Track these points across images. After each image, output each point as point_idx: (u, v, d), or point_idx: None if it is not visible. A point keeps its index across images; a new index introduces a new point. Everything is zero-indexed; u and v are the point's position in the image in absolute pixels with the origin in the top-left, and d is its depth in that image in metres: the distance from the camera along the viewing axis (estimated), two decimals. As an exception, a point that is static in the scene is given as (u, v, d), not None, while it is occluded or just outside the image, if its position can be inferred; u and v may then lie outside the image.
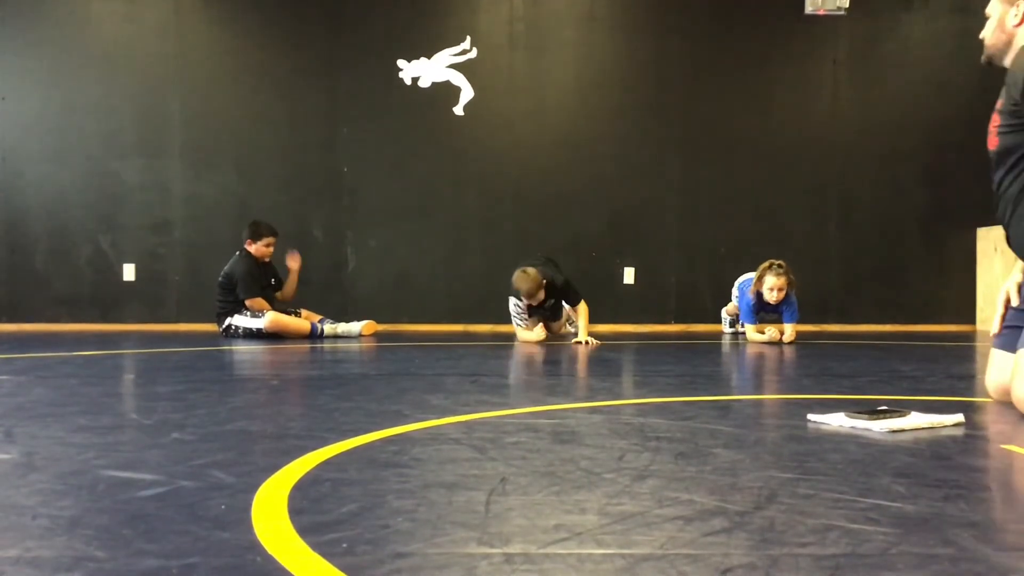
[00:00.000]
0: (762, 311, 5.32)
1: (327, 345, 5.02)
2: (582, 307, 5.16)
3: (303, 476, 1.59)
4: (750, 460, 1.74)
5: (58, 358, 4.07)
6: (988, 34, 2.62)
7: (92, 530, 1.26)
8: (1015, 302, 2.60)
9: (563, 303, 5.37)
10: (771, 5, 6.85)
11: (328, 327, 5.69)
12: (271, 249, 5.85)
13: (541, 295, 5.10)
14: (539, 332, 5.16)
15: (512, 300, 5.18)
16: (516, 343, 5.11)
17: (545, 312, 5.33)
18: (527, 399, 2.77)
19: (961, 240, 6.86)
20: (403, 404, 2.52)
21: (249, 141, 6.77)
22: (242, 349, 4.70)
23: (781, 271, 5.17)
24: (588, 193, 6.81)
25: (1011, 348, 2.51)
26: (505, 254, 6.75)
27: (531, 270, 5.07)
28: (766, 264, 5.24)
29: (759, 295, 5.23)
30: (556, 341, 5.23)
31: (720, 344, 5.20)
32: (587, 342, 4.92)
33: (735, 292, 5.70)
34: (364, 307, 6.55)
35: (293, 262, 5.99)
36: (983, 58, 2.68)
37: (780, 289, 5.15)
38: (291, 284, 6.01)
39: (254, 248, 5.79)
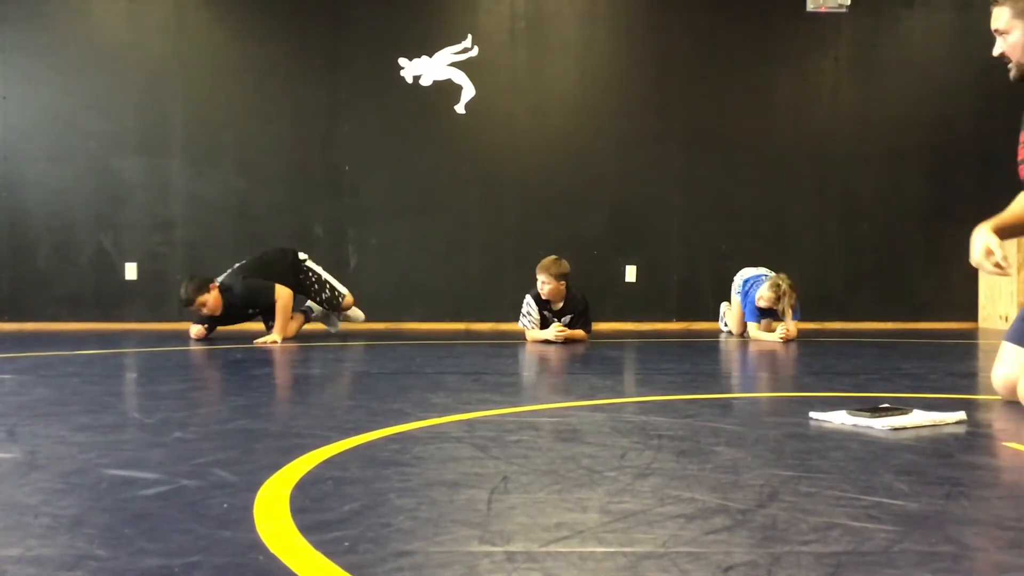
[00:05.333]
0: (765, 316, 5.33)
1: (328, 344, 5.02)
2: (580, 332, 5.08)
3: (305, 475, 1.59)
4: (752, 458, 1.74)
5: (60, 357, 4.07)
6: (1014, 52, 2.51)
7: (94, 529, 1.26)
8: None
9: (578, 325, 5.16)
10: (773, 3, 6.84)
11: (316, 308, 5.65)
12: (202, 312, 5.13)
13: (562, 288, 5.02)
14: (556, 329, 4.93)
15: (527, 300, 5.11)
16: (523, 342, 5.09)
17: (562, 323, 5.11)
18: (529, 397, 2.77)
19: (963, 238, 6.72)
20: (405, 403, 2.53)
21: (250, 139, 6.77)
22: (243, 348, 4.70)
23: (777, 289, 5.13)
24: (589, 191, 6.80)
25: (1022, 342, 2.50)
26: (506, 252, 6.75)
27: (562, 262, 5.05)
28: (772, 281, 5.17)
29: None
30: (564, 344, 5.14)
31: (721, 342, 5.20)
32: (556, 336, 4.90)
33: (736, 287, 5.69)
34: (365, 305, 6.53)
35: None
36: (1013, 76, 2.56)
37: (768, 301, 5.17)
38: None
39: None
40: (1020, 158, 2.63)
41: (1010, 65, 2.56)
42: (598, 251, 6.79)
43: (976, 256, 2.48)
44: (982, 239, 2.47)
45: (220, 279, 5.24)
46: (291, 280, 5.32)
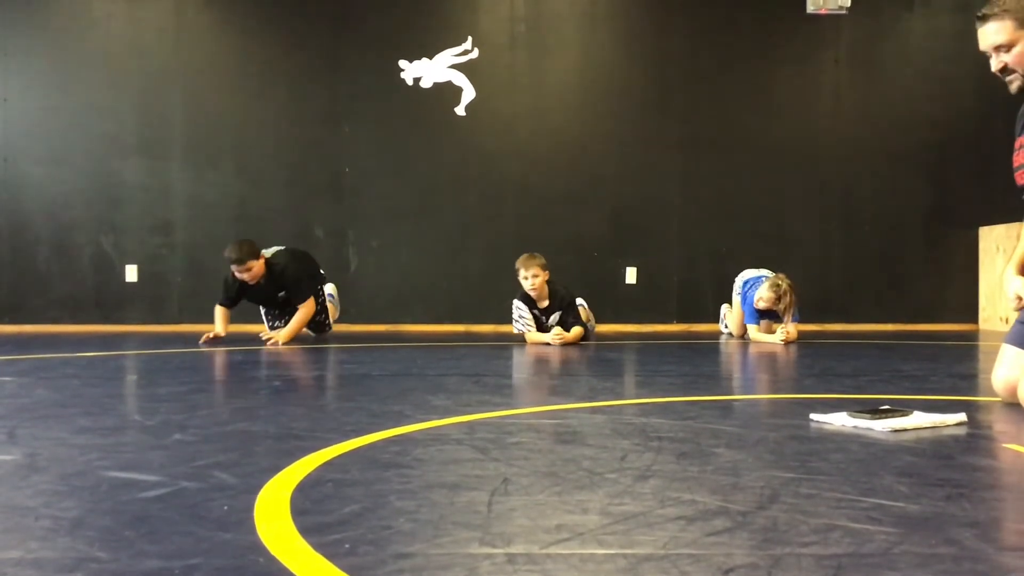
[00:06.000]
0: (764, 318, 5.35)
1: (329, 345, 5.02)
2: (577, 331, 5.01)
3: (305, 477, 1.59)
4: (752, 460, 1.74)
5: (60, 359, 4.07)
6: (1022, 62, 2.45)
7: (94, 531, 1.26)
8: None
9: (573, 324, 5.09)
10: (772, 4, 6.85)
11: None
12: (244, 275, 5.06)
13: (540, 281, 5.00)
14: (555, 332, 4.89)
15: (516, 304, 5.11)
16: (523, 344, 5.09)
17: (552, 324, 5.06)
18: (529, 399, 2.77)
19: (963, 239, 6.86)
20: (405, 405, 2.52)
21: (250, 142, 6.77)
22: (244, 350, 4.70)
23: (776, 289, 5.12)
24: (589, 193, 6.81)
25: (1022, 344, 2.50)
26: (506, 254, 6.73)
27: (539, 255, 5.06)
28: (772, 281, 5.17)
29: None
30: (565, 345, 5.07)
31: (722, 344, 5.20)
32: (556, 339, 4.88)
33: (736, 288, 5.69)
34: (366, 307, 6.55)
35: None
36: (1019, 87, 2.49)
37: (767, 302, 5.16)
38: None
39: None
40: (1016, 164, 2.62)
41: (1012, 78, 2.50)
42: (598, 253, 6.79)
43: (1012, 305, 2.59)
44: (1014, 286, 2.57)
45: (266, 252, 5.26)
46: (317, 291, 5.40)
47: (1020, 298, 2.52)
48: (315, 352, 4.58)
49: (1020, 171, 2.59)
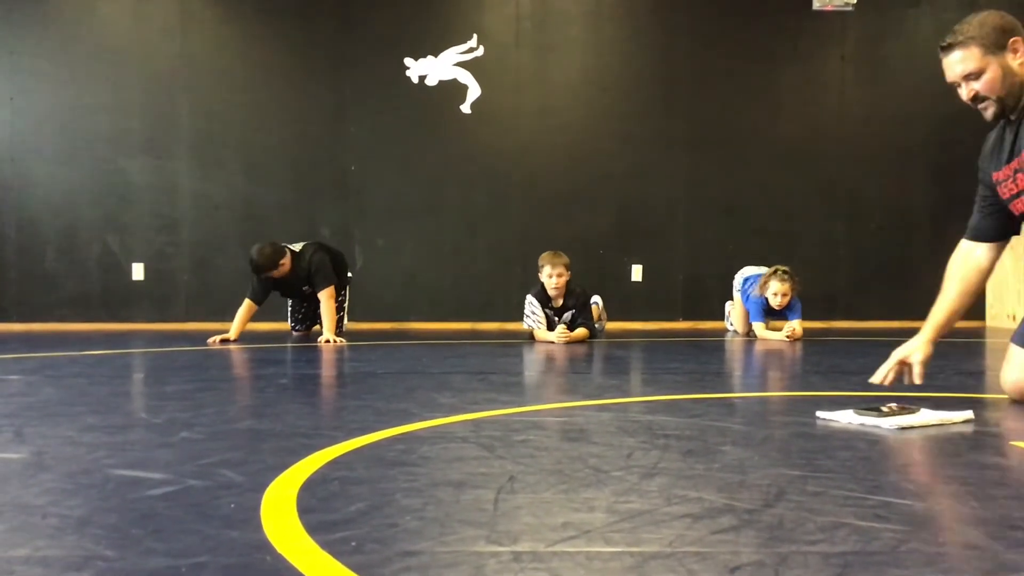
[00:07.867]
0: (767, 316, 5.35)
1: (333, 344, 5.02)
2: (581, 331, 4.99)
3: (311, 475, 1.59)
4: (759, 457, 1.73)
5: (67, 358, 4.08)
6: (994, 88, 2.42)
7: (101, 529, 1.26)
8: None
9: (583, 323, 5.09)
10: (778, 2, 6.83)
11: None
12: (277, 272, 5.19)
13: (563, 280, 5.01)
14: (560, 331, 4.89)
15: (530, 300, 5.11)
16: (529, 342, 5.09)
17: (563, 322, 5.05)
18: (535, 397, 2.77)
19: (970, 236, 6.83)
20: (411, 403, 2.53)
21: (256, 140, 6.78)
22: (250, 348, 4.71)
23: (786, 277, 5.17)
24: (595, 191, 6.80)
25: None
26: (512, 252, 6.75)
27: (563, 254, 5.06)
28: (771, 271, 5.24)
29: (764, 299, 5.25)
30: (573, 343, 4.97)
31: (727, 341, 5.19)
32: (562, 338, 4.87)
33: (736, 285, 5.70)
34: (371, 306, 6.56)
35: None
36: (993, 114, 2.45)
37: (784, 295, 5.16)
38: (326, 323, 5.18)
39: None
40: (1008, 195, 2.57)
41: (984, 104, 2.45)
42: (604, 251, 6.79)
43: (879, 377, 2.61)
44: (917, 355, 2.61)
45: (290, 247, 5.32)
46: (339, 283, 5.47)
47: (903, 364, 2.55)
48: (321, 350, 4.59)
49: (1020, 199, 2.55)
